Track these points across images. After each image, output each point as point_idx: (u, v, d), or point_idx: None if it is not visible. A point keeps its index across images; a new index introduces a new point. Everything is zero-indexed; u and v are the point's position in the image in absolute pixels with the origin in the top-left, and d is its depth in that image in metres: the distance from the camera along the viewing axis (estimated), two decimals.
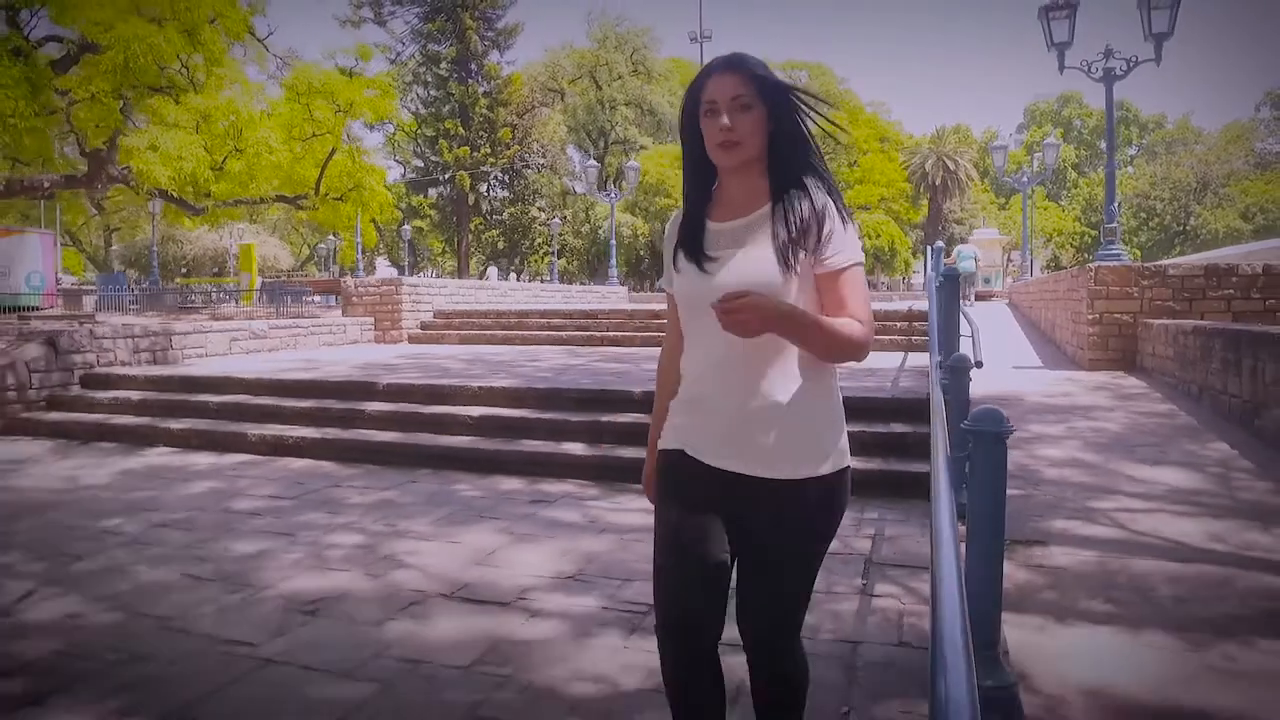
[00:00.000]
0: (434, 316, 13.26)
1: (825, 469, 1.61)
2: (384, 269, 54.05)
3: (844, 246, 1.59)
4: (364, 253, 48.22)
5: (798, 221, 1.58)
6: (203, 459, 6.27)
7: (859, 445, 5.03)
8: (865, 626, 2.97)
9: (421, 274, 50.49)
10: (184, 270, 39.89)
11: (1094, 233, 55.60)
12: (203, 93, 19.30)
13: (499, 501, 4.90)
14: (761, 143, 1.60)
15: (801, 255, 1.57)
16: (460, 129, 45.81)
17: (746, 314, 1.42)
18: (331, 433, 6.37)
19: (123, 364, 8.63)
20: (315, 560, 3.87)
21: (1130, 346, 8.73)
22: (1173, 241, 51.25)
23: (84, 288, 28.71)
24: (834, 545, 3.55)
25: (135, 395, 7.61)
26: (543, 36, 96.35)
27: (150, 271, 28.04)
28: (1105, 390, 7.58)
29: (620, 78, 47.99)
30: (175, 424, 6.92)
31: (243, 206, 22.97)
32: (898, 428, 5.33)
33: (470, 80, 47.34)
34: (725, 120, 1.56)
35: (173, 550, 4.06)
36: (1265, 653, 2.82)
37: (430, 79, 46.90)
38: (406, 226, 40.36)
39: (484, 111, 46.77)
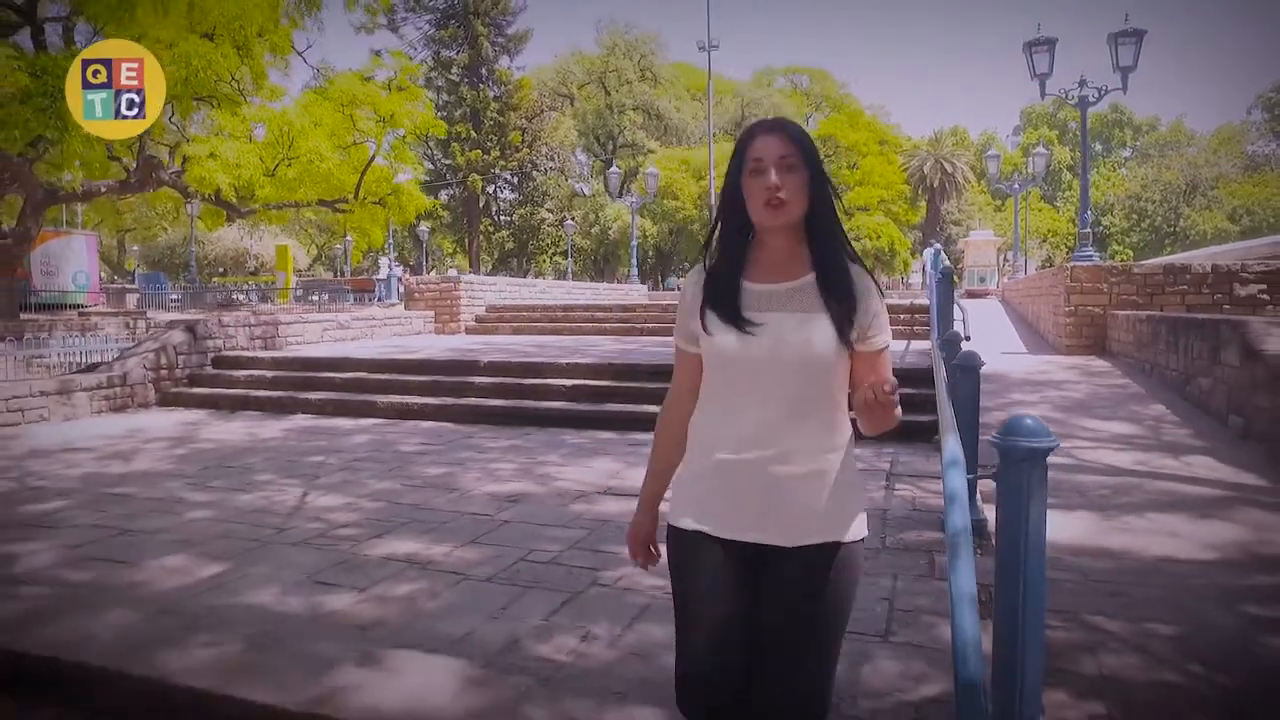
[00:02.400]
0: (486, 310, 14.79)
1: (855, 534, 1.60)
2: (385, 269, 55.39)
3: (885, 325, 1.62)
4: (370, 253, 49.74)
5: (850, 294, 1.58)
6: (343, 422, 7.76)
7: None
8: (890, 502, 4.52)
9: (433, 273, 51.87)
10: (221, 270, 41.37)
11: (1091, 235, 57.23)
12: (256, 104, 20.82)
13: (603, 445, 6.42)
14: (804, 206, 1.59)
15: (853, 333, 1.57)
16: (472, 132, 47.25)
17: (891, 384, 1.43)
18: (447, 401, 7.87)
19: (242, 348, 10.13)
20: (491, 478, 5.38)
21: (1101, 334, 10.25)
22: (1163, 242, 52.84)
23: (126, 287, 30.16)
24: (863, 464, 5.13)
25: (269, 373, 9.12)
26: (551, 41, 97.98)
27: (188, 270, 29.50)
28: (1076, 369, 9.11)
29: (628, 83, 49.54)
30: (312, 395, 8.42)
31: (286, 210, 24.45)
32: (906, 390, 6.87)
33: (481, 85, 48.78)
34: (774, 178, 1.56)
35: (379, 472, 5.57)
36: (1150, 521, 4.35)
37: (442, 84, 48.31)
38: (424, 228, 41.87)
39: (494, 116, 48.22)
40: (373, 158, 22.16)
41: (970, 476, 2.78)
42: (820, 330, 1.56)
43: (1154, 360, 8.17)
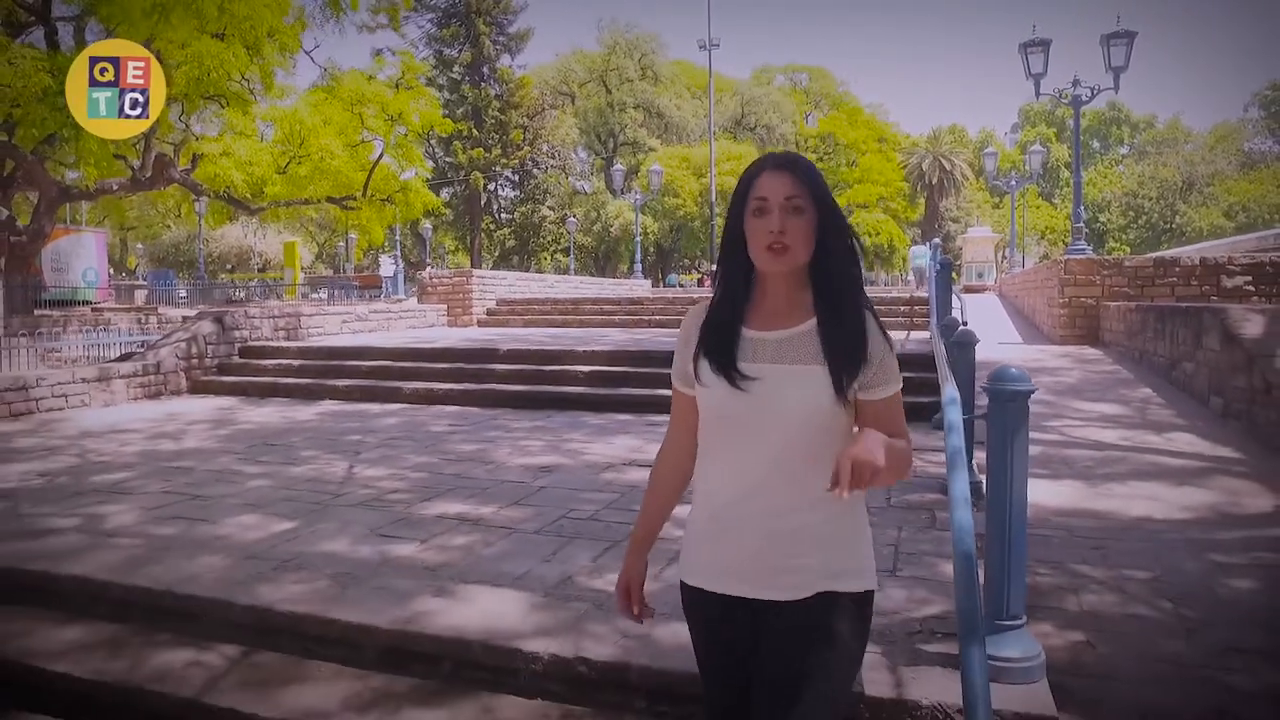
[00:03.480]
0: (497, 304, 15.19)
1: (859, 585, 1.53)
2: (387, 266, 55.76)
3: (893, 372, 1.53)
4: (370, 250, 50.15)
5: (850, 344, 1.49)
6: (372, 407, 8.15)
7: None
8: None
9: (427, 271, 52.25)
10: (229, 267, 41.75)
11: (1085, 230, 57.65)
12: (266, 105, 21.19)
13: (623, 425, 6.81)
14: (810, 250, 1.50)
15: (854, 382, 1.49)
16: (473, 131, 47.60)
17: (870, 467, 1.31)
18: (470, 386, 8.27)
19: (267, 339, 10.51)
20: (522, 452, 5.78)
21: (1093, 324, 10.66)
22: (1159, 239, 53.27)
23: (135, 283, 30.54)
24: None
25: (295, 362, 9.51)
26: (552, 40, 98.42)
27: (195, 267, 29.85)
28: (1069, 357, 9.51)
29: (629, 81, 49.91)
30: (339, 382, 8.82)
31: (294, 207, 24.82)
32: (907, 374, 7.26)
33: (483, 84, 49.15)
34: (777, 222, 1.47)
35: (415, 448, 5.96)
36: (1131, 488, 4.76)
37: (444, 82, 48.64)
38: (427, 225, 42.23)
39: (496, 114, 48.58)
40: (380, 155, 22.56)
41: (966, 416, 3.18)
42: (816, 384, 1.47)
43: (1143, 348, 8.57)
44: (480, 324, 14.64)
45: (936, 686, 2.23)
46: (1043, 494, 4.56)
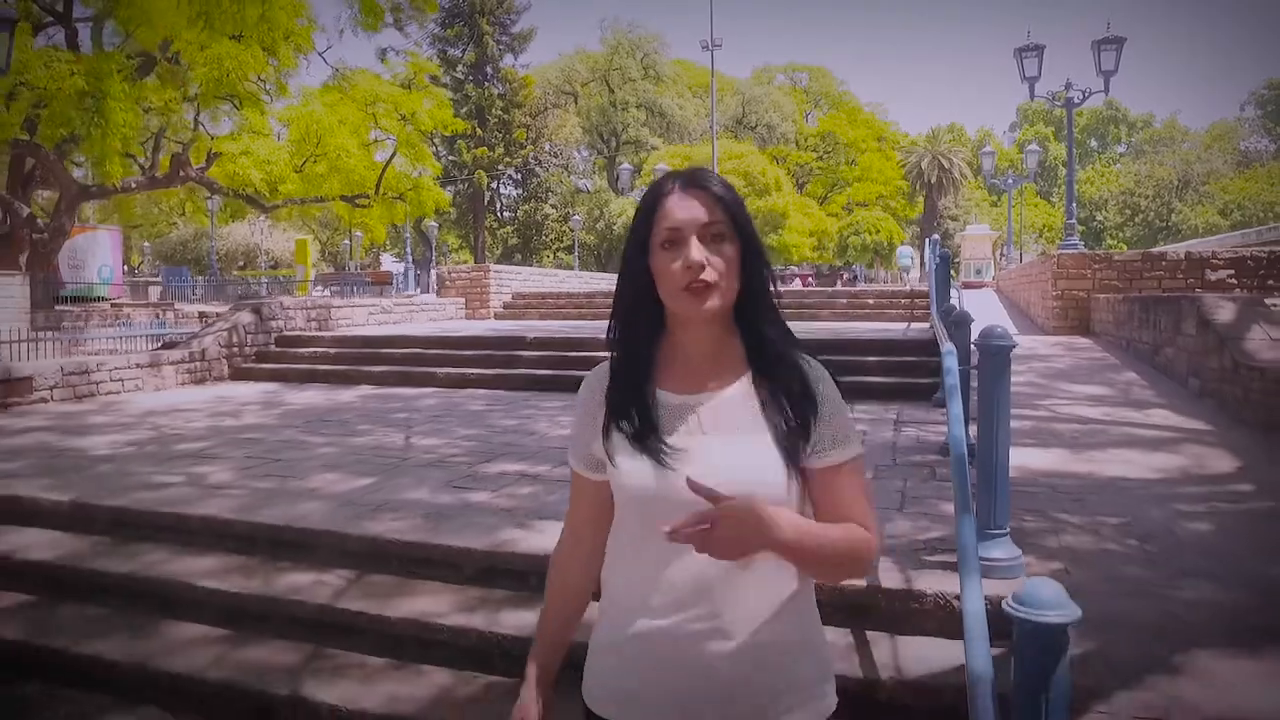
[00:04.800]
0: (513, 297, 15.78)
1: (816, 713, 1.24)
2: (389, 263, 56.38)
3: (848, 432, 1.24)
4: (372, 248, 50.78)
5: (798, 399, 1.22)
6: (407, 390, 8.71)
7: (885, 369, 7.59)
8: (899, 438, 5.52)
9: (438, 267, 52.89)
10: (241, 264, 42.36)
11: (1081, 228, 58.26)
12: (289, 105, 21.76)
13: None
14: (736, 285, 1.22)
15: (804, 447, 1.21)
16: (477, 130, 48.15)
17: (732, 530, 1.05)
18: (500, 371, 8.83)
19: (300, 329, 11.08)
20: (559, 426, 6.34)
21: (1085, 316, 11.23)
22: (1156, 237, 53.91)
23: (149, 280, 31.11)
24: (871, 415, 6.16)
25: (331, 350, 10.08)
26: (555, 40, 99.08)
27: (208, 264, 30.45)
28: (1061, 346, 10.09)
29: (631, 81, 50.50)
30: (374, 368, 9.38)
31: (305, 205, 25.38)
32: (909, 358, 7.87)
33: (486, 83, 49.74)
34: (695, 255, 1.17)
35: (462, 423, 6.53)
36: (1110, 454, 5.33)
37: (448, 81, 49.17)
38: (433, 224, 42.84)
39: (499, 113, 49.17)
40: (393, 154, 23.14)
41: (963, 368, 3.74)
42: (760, 454, 1.20)
43: (1129, 336, 9.15)
44: (497, 316, 15.22)
45: (937, 581, 2.81)
46: (1032, 459, 5.13)
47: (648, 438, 1.22)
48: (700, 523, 1.05)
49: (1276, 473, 4.81)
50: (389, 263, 55.86)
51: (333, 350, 10.07)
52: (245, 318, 10.27)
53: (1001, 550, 2.75)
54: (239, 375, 9.90)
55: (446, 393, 8.42)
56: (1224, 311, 6.70)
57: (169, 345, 10.54)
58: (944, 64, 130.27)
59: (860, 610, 2.77)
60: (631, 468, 1.23)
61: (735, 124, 52.35)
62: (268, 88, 23.02)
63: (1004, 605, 1.30)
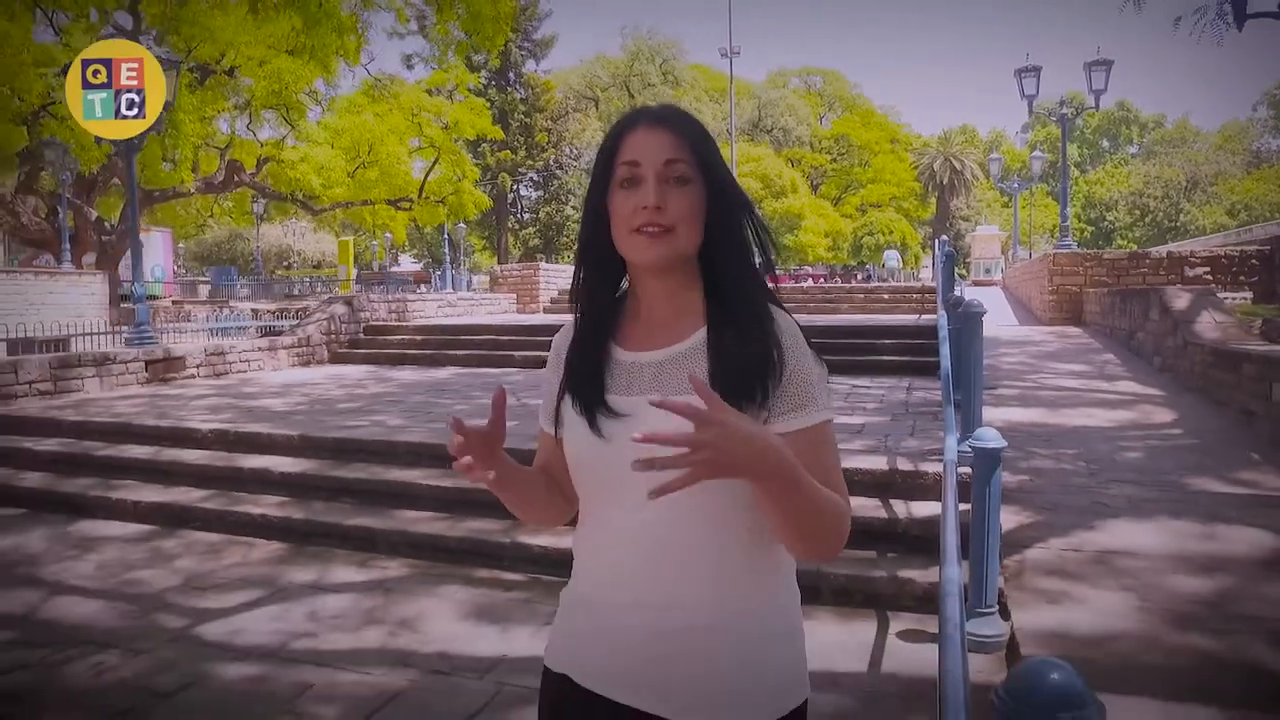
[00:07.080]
0: (559, 294, 17.25)
1: (781, 706, 1.11)
2: (407, 264, 58.11)
3: (815, 394, 1.09)
4: (391, 249, 52.50)
5: (753, 356, 1.08)
6: (491, 370, 10.20)
7: (898, 350, 9.04)
8: (910, 398, 6.97)
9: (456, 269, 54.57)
10: (287, 264, 44.18)
11: (1091, 228, 59.45)
12: (339, 113, 23.43)
13: None
14: (698, 234, 1.10)
15: (754, 407, 1.06)
16: (500, 134, 49.77)
17: (715, 441, 0.89)
18: None
19: (384, 320, 12.61)
20: None
21: (1077, 308, 12.63)
22: (1164, 237, 54.89)
23: (198, 279, 32.86)
24: (884, 390, 7.67)
25: (416, 337, 11.60)
26: (575, 45, 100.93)
27: (252, 265, 32.18)
28: (1054, 333, 11.51)
29: (651, 86, 52.06)
30: (456, 352, 10.89)
31: (354, 208, 27.04)
32: (919, 341, 9.33)
33: (509, 88, 51.38)
34: (652, 195, 1.07)
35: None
36: (1079, 412, 6.76)
37: (472, 87, 50.79)
38: (461, 225, 44.53)
39: (521, 117, 50.79)
40: (435, 160, 24.76)
41: (951, 327, 5.18)
42: None
43: (1112, 324, 10.55)
44: (545, 310, 16.71)
45: (933, 468, 4.27)
46: (1016, 416, 6.57)
47: (592, 399, 1.14)
48: (686, 444, 0.88)
49: (1203, 423, 6.24)
50: (407, 263, 57.68)
51: (418, 337, 11.59)
52: (340, 309, 11.80)
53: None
54: (336, 359, 11.43)
55: (526, 372, 9.89)
56: (1180, 301, 8.11)
57: (275, 332, 12.08)
58: (957, 65, 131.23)
59: (885, 486, 4.24)
60: (572, 431, 1.16)
61: (752, 127, 53.78)
62: (321, 99, 24.72)
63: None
